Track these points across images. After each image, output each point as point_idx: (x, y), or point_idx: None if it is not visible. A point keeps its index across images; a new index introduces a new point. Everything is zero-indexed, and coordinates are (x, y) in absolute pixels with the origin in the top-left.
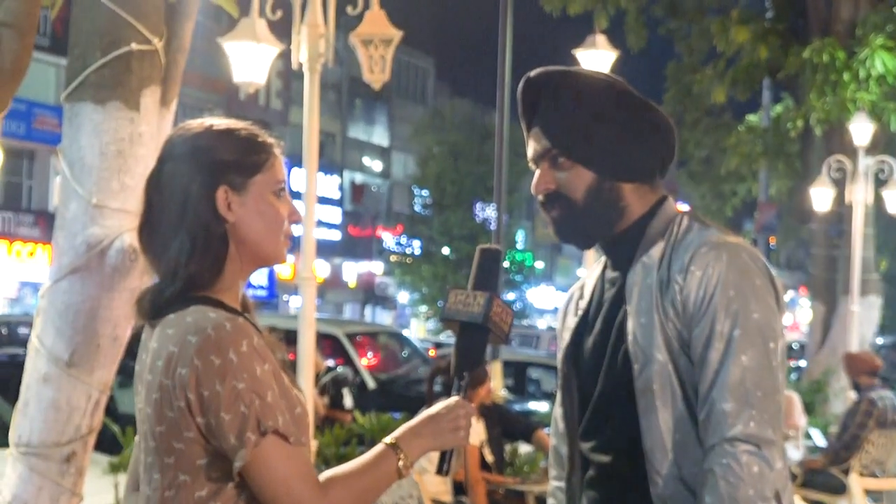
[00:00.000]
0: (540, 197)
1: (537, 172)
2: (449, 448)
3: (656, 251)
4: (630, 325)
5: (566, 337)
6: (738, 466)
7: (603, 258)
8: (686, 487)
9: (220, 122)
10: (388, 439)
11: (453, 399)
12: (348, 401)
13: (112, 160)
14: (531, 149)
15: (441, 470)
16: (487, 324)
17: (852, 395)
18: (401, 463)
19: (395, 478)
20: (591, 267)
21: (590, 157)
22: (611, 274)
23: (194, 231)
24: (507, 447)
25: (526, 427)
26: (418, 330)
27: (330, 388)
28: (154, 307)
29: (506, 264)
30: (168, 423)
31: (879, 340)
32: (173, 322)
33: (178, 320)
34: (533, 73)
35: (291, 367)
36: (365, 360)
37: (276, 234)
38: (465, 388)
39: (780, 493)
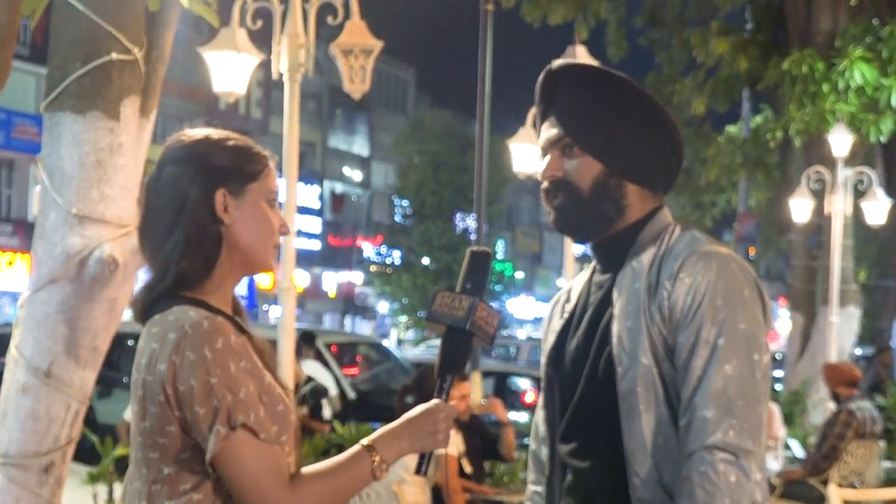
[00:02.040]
0: (545, 184)
1: (546, 159)
2: (428, 451)
3: (647, 257)
4: (615, 327)
5: (550, 339)
6: (714, 475)
7: (592, 263)
8: (666, 492)
9: (216, 132)
10: (364, 441)
11: (433, 402)
12: (327, 411)
13: (92, 170)
14: (543, 137)
15: (419, 470)
16: (471, 328)
17: (831, 406)
18: (375, 464)
19: (370, 479)
20: (580, 272)
21: (601, 148)
22: (599, 277)
23: (189, 230)
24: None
25: (494, 442)
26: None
27: (309, 399)
28: (145, 305)
29: None
30: (151, 419)
31: (858, 351)
32: (157, 321)
33: (161, 320)
34: (555, 64)
35: None
36: (361, 372)
37: (268, 242)
38: (447, 391)
39: None
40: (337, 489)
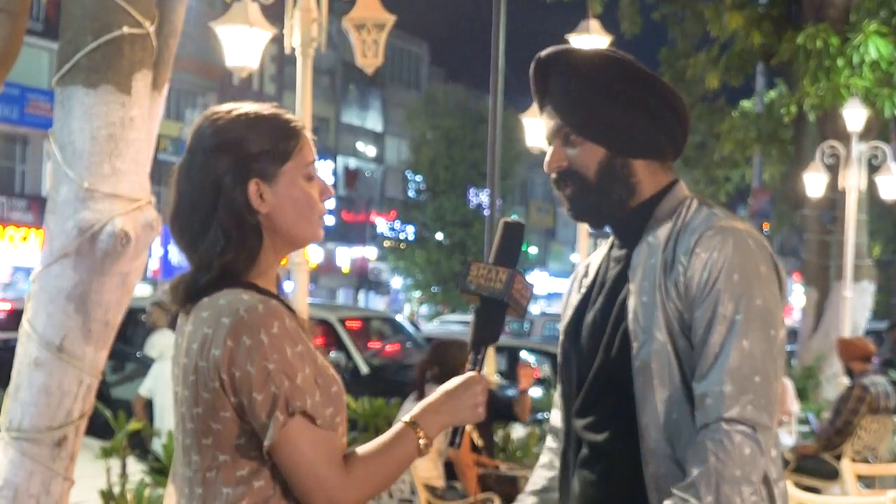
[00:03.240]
0: (553, 175)
1: (549, 150)
2: (466, 424)
3: (663, 232)
4: (631, 303)
5: (568, 314)
6: (730, 445)
7: (610, 238)
8: (679, 467)
9: (248, 109)
10: (406, 418)
11: (469, 374)
12: None
13: (103, 144)
14: (545, 128)
15: (452, 442)
16: (508, 301)
17: (845, 381)
18: (421, 441)
19: (416, 456)
20: (594, 247)
21: (600, 132)
22: (617, 252)
23: (228, 224)
24: (501, 432)
25: (508, 404)
26: (410, 315)
27: None
28: (188, 295)
29: None
30: (204, 404)
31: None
32: (207, 305)
33: (211, 303)
34: (543, 53)
35: None
36: (372, 348)
37: (310, 218)
38: (481, 363)
39: (773, 481)
40: (386, 470)
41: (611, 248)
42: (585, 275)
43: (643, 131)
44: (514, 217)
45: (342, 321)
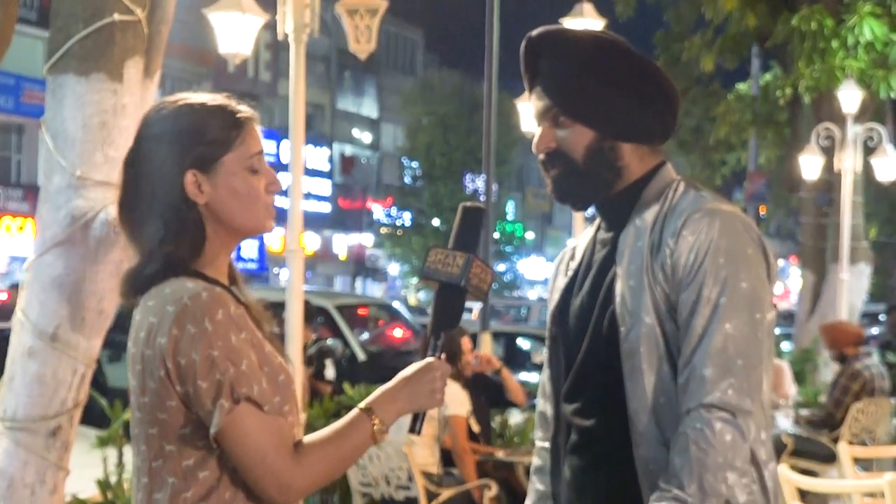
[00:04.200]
0: (541, 156)
1: (538, 131)
2: (425, 410)
3: (650, 215)
4: (618, 286)
5: (555, 298)
6: (710, 433)
7: (597, 221)
8: (668, 450)
9: (194, 99)
10: (362, 404)
11: (428, 360)
12: (330, 372)
13: (95, 132)
14: (534, 109)
15: (413, 429)
16: (466, 285)
17: (836, 368)
18: (375, 427)
19: (371, 443)
20: (585, 229)
21: (589, 115)
22: (603, 235)
23: (167, 215)
24: (498, 418)
25: (500, 385)
26: (414, 300)
27: (315, 360)
28: (135, 285)
29: (496, 235)
30: (151, 394)
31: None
32: (154, 294)
33: (157, 292)
34: (534, 33)
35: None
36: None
37: (253, 209)
38: (441, 348)
39: (763, 463)
40: (339, 456)
41: (597, 230)
42: (572, 258)
43: (633, 115)
44: (513, 201)
45: (339, 308)
